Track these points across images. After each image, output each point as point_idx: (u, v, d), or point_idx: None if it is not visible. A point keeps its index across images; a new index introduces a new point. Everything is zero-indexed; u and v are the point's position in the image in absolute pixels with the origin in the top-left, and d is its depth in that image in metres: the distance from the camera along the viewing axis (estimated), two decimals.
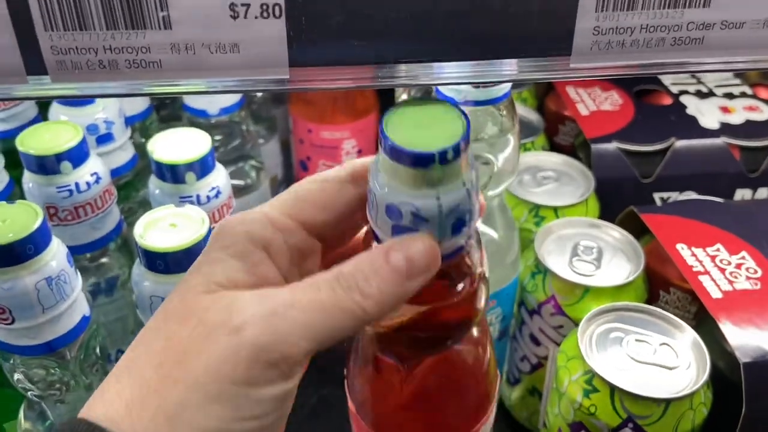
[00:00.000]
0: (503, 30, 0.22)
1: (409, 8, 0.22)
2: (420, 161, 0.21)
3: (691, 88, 0.58)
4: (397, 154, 0.21)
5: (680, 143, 0.52)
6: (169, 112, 0.57)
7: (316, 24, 0.22)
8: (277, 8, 0.22)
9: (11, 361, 0.34)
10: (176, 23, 0.22)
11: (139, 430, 0.20)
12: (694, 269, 0.40)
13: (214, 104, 0.51)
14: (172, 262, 0.31)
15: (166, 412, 0.21)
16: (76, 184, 0.36)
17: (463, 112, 0.23)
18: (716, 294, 0.39)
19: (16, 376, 0.34)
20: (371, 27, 0.22)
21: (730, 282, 0.39)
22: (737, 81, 0.59)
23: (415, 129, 0.22)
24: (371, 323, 0.23)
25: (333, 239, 0.27)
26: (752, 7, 0.23)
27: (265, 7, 0.22)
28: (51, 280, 0.30)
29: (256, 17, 0.22)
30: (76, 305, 0.32)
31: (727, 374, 0.37)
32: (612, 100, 0.57)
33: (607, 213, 0.50)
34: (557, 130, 0.60)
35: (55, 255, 0.31)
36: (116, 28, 0.22)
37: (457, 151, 0.21)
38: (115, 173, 0.43)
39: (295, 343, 0.21)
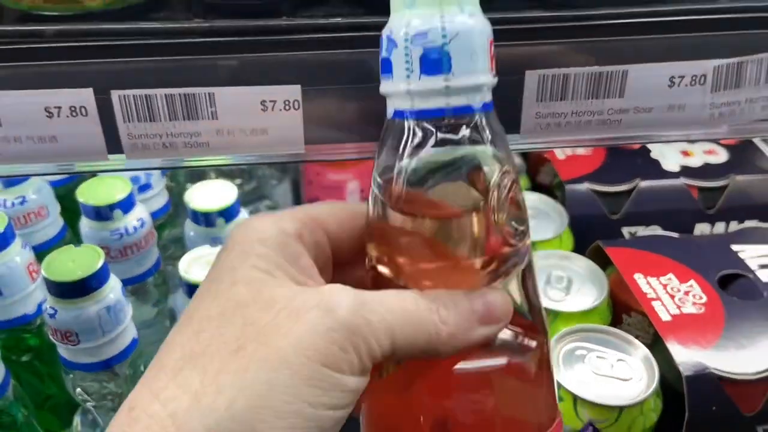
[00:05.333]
0: None
1: None
2: None
3: None
4: None
5: (644, 183, 0.59)
6: None
7: (325, 115, 0.29)
8: (296, 103, 0.29)
9: (71, 377, 0.41)
10: (221, 115, 0.29)
11: (214, 418, 0.19)
12: (648, 296, 0.47)
13: None
14: None
15: (248, 395, 0.19)
16: (126, 229, 0.43)
17: None
18: (666, 317, 0.45)
19: (77, 389, 0.41)
20: (365, 117, 0.29)
21: (678, 307, 0.46)
22: None
23: None
24: (439, 352, 0.23)
25: (340, 263, 0.27)
26: (658, 96, 0.30)
27: (287, 102, 0.29)
28: (110, 309, 0.37)
29: (280, 110, 0.29)
30: (128, 329, 0.39)
31: (676, 386, 0.44)
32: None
33: (581, 246, 0.57)
34: (538, 171, 0.67)
35: (113, 288, 0.38)
36: (176, 119, 0.29)
37: None
38: (152, 216, 0.50)
39: (379, 336, 0.21)
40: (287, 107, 0.29)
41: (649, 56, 0.29)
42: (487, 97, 0.24)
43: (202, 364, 0.20)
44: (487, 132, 0.24)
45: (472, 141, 0.24)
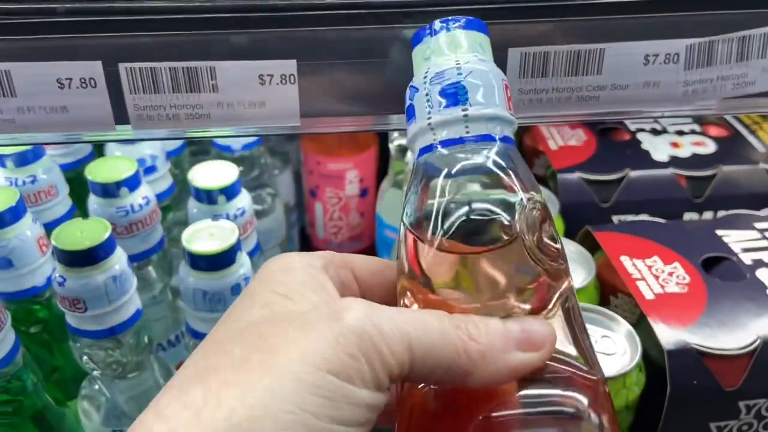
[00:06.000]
0: None
1: (392, 84, 0.31)
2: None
3: (647, 126, 0.67)
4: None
5: (634, 173, 0.61)
6: (199, 147, 0.66)
7: (320, 88, 0.31)
8: (292, 77, 0.31)
9: (78, 345, 0.42)
10: (221, 88, 0.31)
11: (212, 430, 0.18)
12: (633, 276, 0.49)
13: (237, 141, 0.61)
14: (211, 262, 0.40)
15: (249, 405, 0.18)
16: (131, 206, 0.45)
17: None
18: (649, 296, 0.47)
19: (83, 357, 0.43)
20: (358, 92, 0.31)
21: (662, 286, 0.48)
22: (688, 119, 0.68)
23: None
24: (471, 376, 0.21)
25: None
26: (633, 73, 0.32)
27: (283, 76, 0.31)
28: (116, 278, 0.39)
29: (277, 83, 0.31)
30: (133, 299, 0.41)
31: (659, 363, 0.45)
32: (578, 137, 0.66)
33: (572, 233, 0.58)
34: (533, 162, 0.69)
35: (119, 259, 0.40)
36: (179, 91, 0.31)
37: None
38: (157, 198, 0.52)
39: (393, 345, 0.20)
40: (284, 81, 0.31)
41: (625, 35, 0.31)
42: (507, 131, 0.25)
43: (207, 379, 0.20)
44: (512, 163, 0.24)
45: (496, 172, 0.24)
